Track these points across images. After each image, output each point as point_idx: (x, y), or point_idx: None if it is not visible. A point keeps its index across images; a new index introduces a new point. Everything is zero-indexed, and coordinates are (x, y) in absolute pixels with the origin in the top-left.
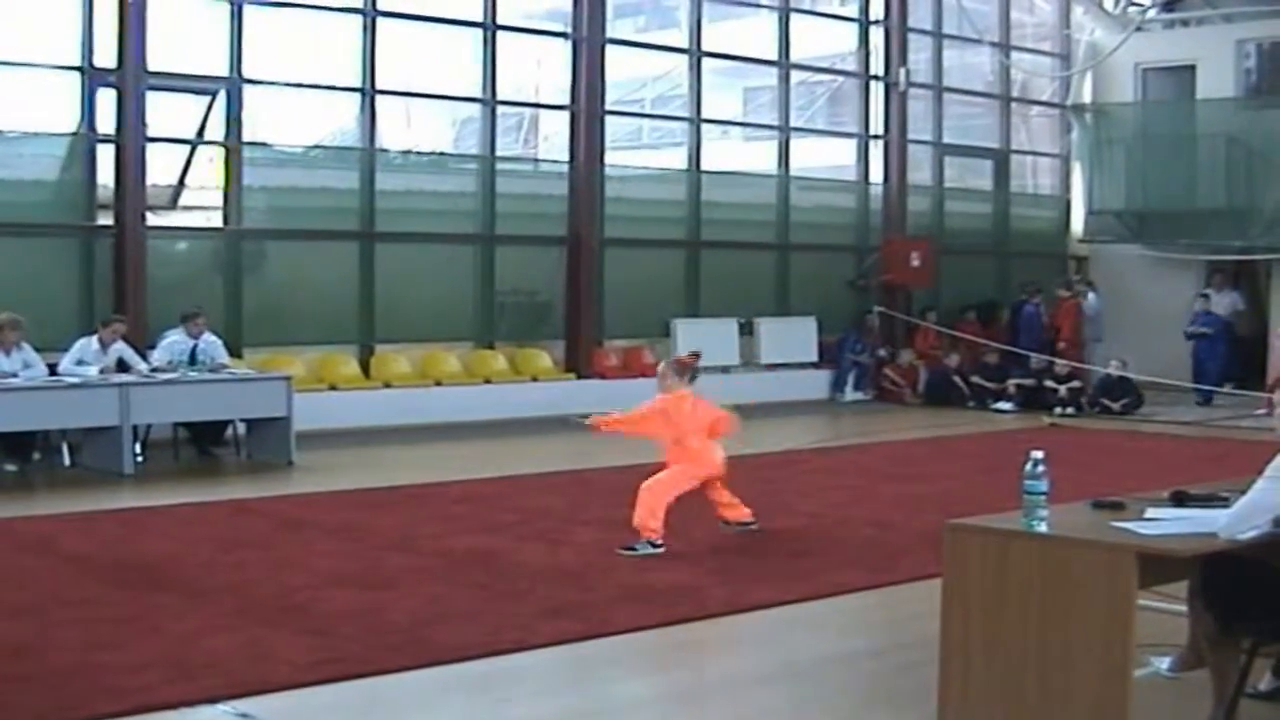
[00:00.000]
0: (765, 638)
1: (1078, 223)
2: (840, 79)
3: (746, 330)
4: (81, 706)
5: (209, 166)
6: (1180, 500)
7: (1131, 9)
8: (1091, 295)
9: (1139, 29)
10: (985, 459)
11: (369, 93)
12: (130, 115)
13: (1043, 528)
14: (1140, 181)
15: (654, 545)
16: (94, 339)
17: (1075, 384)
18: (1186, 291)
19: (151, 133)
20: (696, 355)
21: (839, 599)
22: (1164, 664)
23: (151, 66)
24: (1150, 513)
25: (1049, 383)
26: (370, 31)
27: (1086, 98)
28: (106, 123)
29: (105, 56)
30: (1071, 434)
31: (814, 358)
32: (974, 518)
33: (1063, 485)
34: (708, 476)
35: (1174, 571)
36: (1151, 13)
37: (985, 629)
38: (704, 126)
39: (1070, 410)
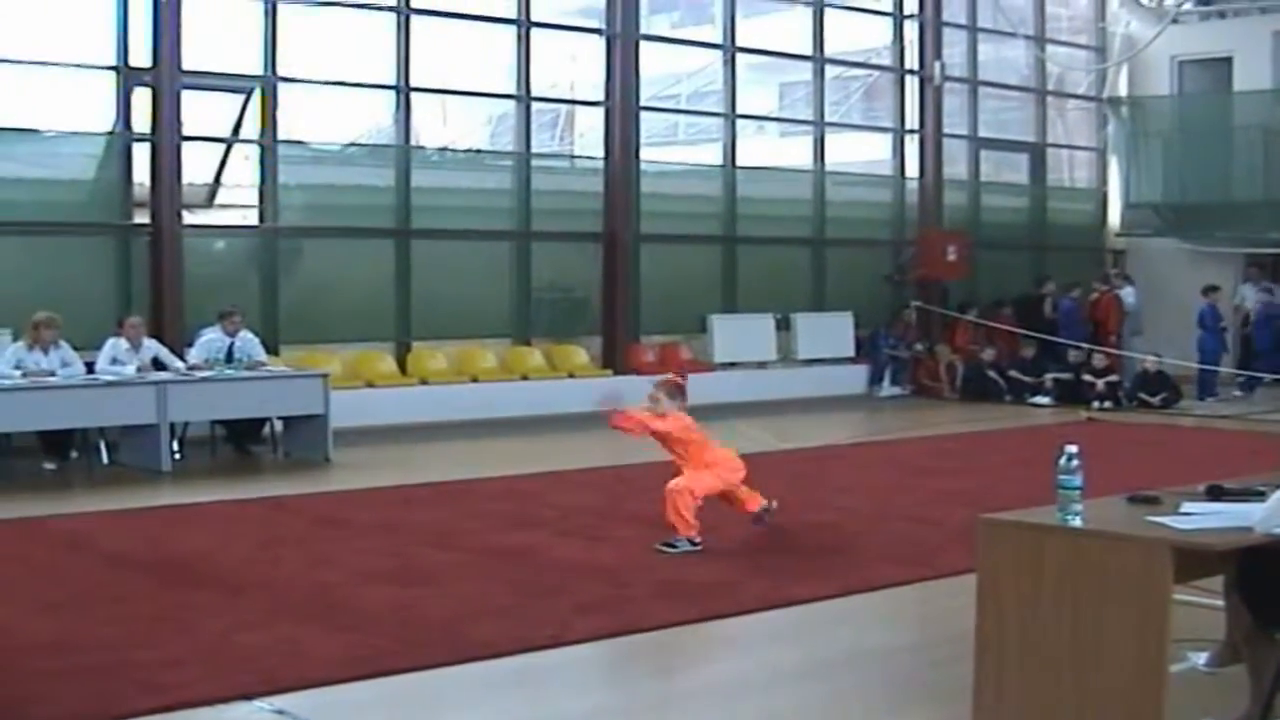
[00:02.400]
0: (801, 633)
1: (1114, 216)
2: (875, 73)
3: (783, 325)
4: (118, 702)
5: (244, 165)
6: (1216, 494)
7: (1167, 1)
8: (1129, 289)
9: (1175, 21)
10: (1021, 453)
11: (404, 90)
12: (165, 114)
13: (1077, 522)
14: (1177, 174)
15: (693, 543)
16: (122, 339)
17: (1113, 378)
18: (1224, 285)
19: (187, 131)
20: (685, 376)
21: (874, 594)
22: (1201, 659)
23: (186, 65)
24: (1186, 507)
25: (1086, 377)
26: (405, 29)
27: (1122, 91)
28: (142, 122)
29: (140, 56)
30: (1108, 428)
31: (851, 353)
32: (1009, 512)
33: (1098, 479)
34: (736, 481)
35: (1210, 566)
36: (1188, 5)
37: (1020, 624)
38: (739, 122)
39: (1107, 404)
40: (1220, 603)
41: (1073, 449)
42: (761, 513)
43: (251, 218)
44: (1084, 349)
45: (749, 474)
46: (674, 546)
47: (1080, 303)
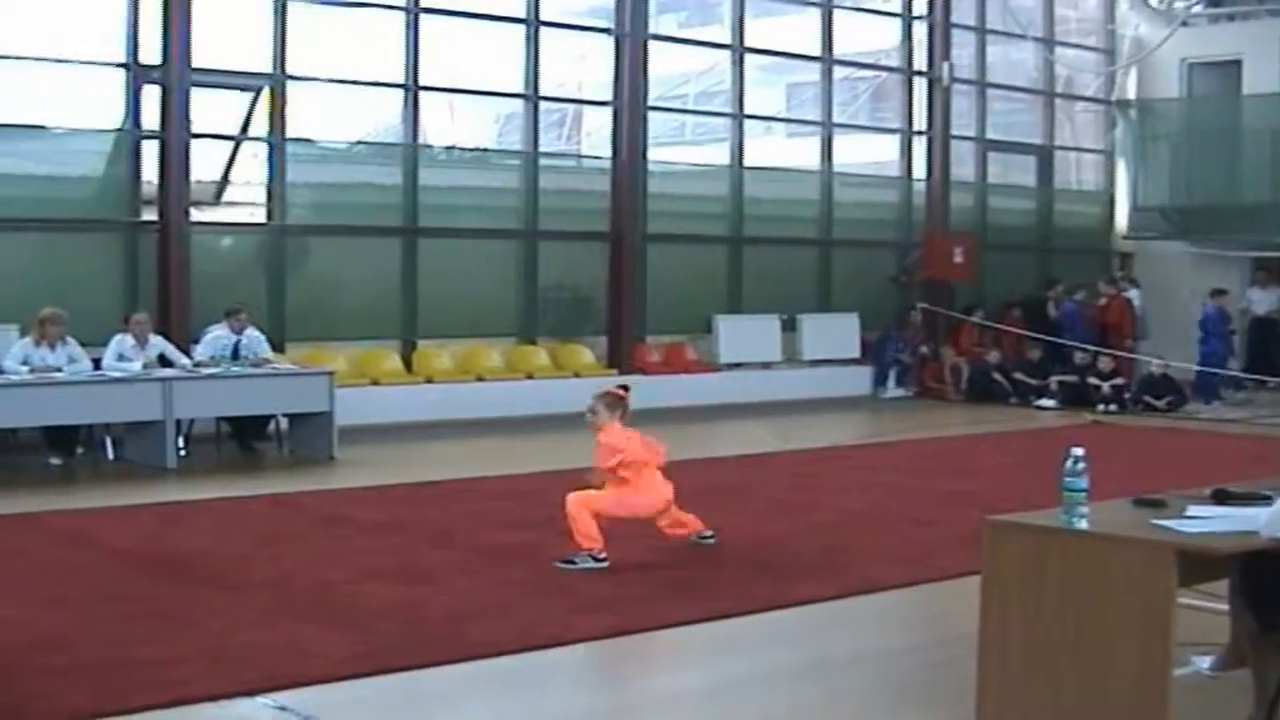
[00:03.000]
0: (802, 634)
1: (1122, 219)
2: (883, 74)
3: (789, 326)
4: (120, 698)
5: (253, 162)
6: (1222, 498)
7: (1177, 4)
8: (1135, 292)
9: (1184, 24)
10: (1026, 456)
11: (412, 89)
12: (174, 111)
13: (1083, 525)
14: (1185, 177)
15: (595, 559)
16: (128, 336)
17: (1118, 381)
18: (1231, 288)
19: (196, 129)
20: (626, 389)
21: (876, 595)
22: (1205, 663)
23: (196, 63)
24: (1192, 510)
25: (1092, 379)
26: (414, 27)
27: (1131, 93)
28: (151, 119)
29: (150, 53)
30: (1114, 431)
31: (856, 354)
32: (1013, 514)
33: (1104, 482)
34: (653, 511)
35: (1215, 569)
36: (1197, 7)
37: (1024, 626)
38: (747, 122)
39: (1113, 407)
40: (1224, 606)
41: (1079, 451)
42: (699, 540)
43: (259, 215)
44: (1089, 351)
45: (683, 501)
46: (572, 563)
47: (1084, 305)
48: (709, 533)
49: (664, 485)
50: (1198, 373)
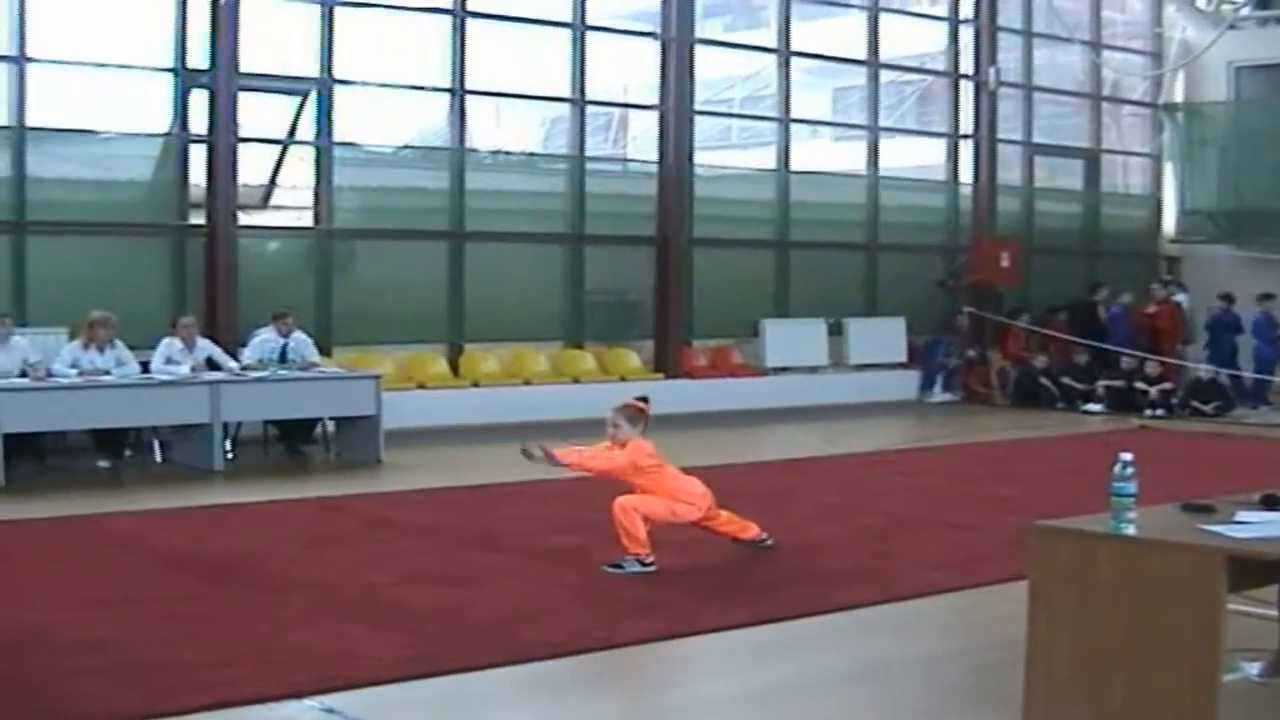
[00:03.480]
0: (848, 638)
1: (1169, 223)
2: (930, 78)
3: (835, 330)
4: (168, 699)
5: (300, 166)
6: (1271, 503)
7: (1225, 6)
8: (1183, 296)
9: (1232, 27)
10: (1073, 461)
11: (459, 93)
12: (222, 116)
13: (1131, 530)
14: (1232, 181)
15: (643, 564)
16: (176, 339)
17: (1166, 385)
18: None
19: (243, 133)
20: (646, 400)
21: (923, 600)
22: (1254, 669)
23: (243, 67)
24: (1240, 515)
25: (1139, 384)
26: (460, 32)
27: (1178, 97)
28: (199, 123)
29: (198, 58)
30: (1161, 436)
31: (903, 358)
32: (1061, 519)
33: (1152, 487)
34: (694, 518)
35: (1265, 575)
36: (1245, 10)
37: (1071, 632)
38: (793, 126)
39: (1160, 412)
40: (1274, 612)
41: (1127, 456)
42: (754, 542)
43: (306, 219)
44: (1137, 356)
45: (728, 505)
46: (620, 567)
47: (1130, 309)
48: (766, 536)
49: (699, 487)
50: (1230, 376)
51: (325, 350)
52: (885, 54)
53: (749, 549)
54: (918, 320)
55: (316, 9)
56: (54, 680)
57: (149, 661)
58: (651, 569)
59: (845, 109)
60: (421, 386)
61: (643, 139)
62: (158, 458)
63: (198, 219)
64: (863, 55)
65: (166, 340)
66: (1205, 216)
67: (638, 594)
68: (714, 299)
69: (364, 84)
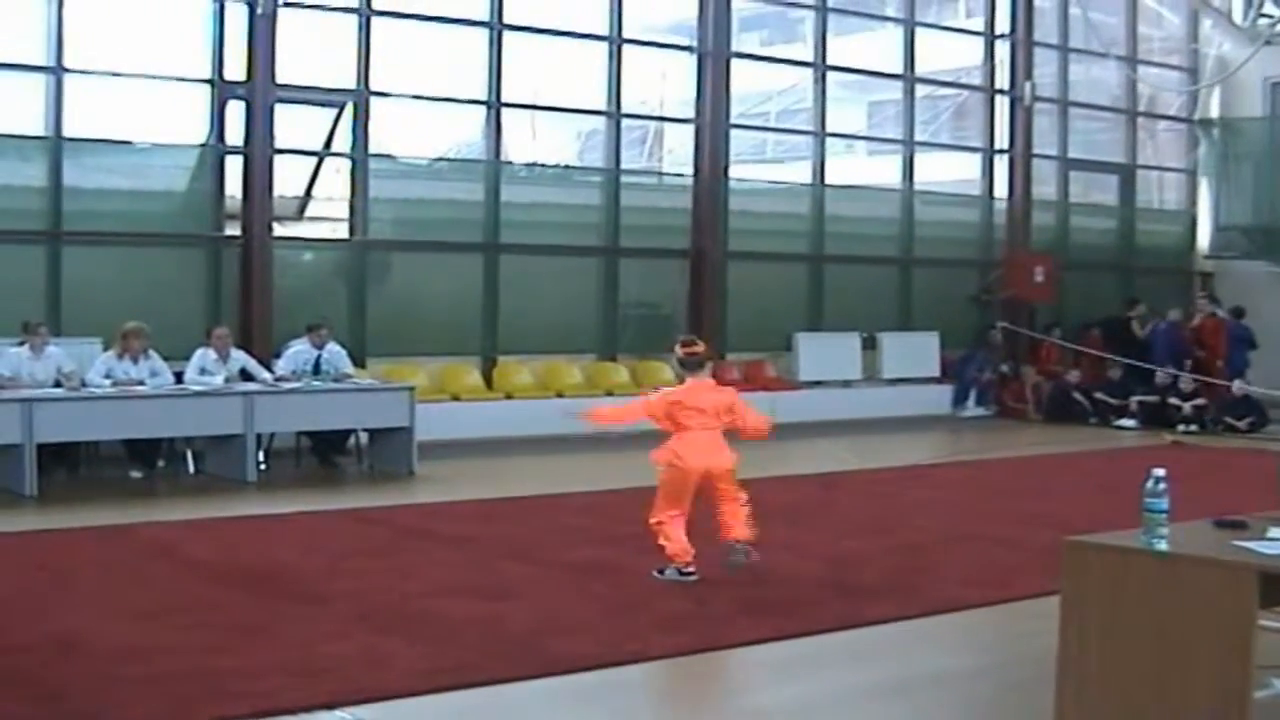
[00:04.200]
0: (879, 653)
1: (1204, 238)
2: (965, 93)
3: (869, 344)
4: (201, 709)
5: (335, 178)
6: None
7: (1261, 21)
8: (1219, 312)
9: (1268, 42)
10: (1106, 476)
11: (494, 105)
12: (258, 127)
13: (1163, 546)
14: (1268, 197)
15: (682, 572)
16: (210, 350)
17: (1200, 401)
18: None
19: (279, 144)
20: (694, 341)
21: (954, 615)
22: None
23: (280, 79)
24: (1273, 532)
25: (1173, 400)
26: (496, 45)
27: (1214, 112)
28: (235, 134)
29: (235, 70)
30: (1194, 452)
31: (936, 373)
32: (1093, 535)
33: (1184, 503)
34: (700, 475)
35: None
36: None
37: (1102, 647)
38: (828, 140)
39: (1194, 428)
40: None
41: (1160, 472)
42: (732, 551)
43: (341, 231)
44: (1183, 375)
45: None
46: (663, 573)
47: (1176, 326)
48: (748, 548)
49: (719, 448)
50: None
51: (359, 362)
52: (921, 69)
53: (724, 556)
54: (951, 335)
55: (353, 21)
56: (89, 688)
57: (182, 671)
58: (691, 578)
59: (880, 123)
60: (455, 398)
61: (678, 152)
62: (191, 468)
63: (233, 230)
64: (898, 70)
65: (201, 351)
66: (1240, 232)
67: (670, 607)
68: (748, 312)
69: (400, 96)
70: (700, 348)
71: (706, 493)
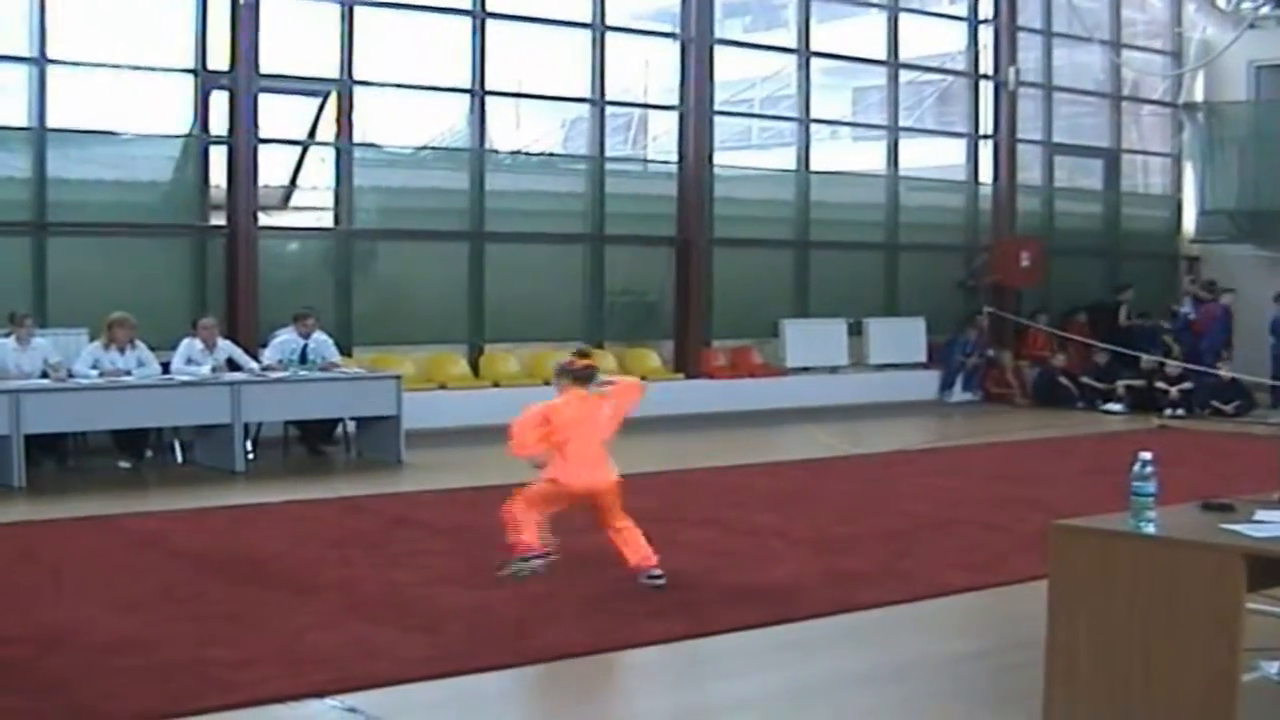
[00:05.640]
0: (869, 638)
1: (1189, 223)
2: (949, 78)
3: (855, 331)
4: (192, 699)
5: (320, 167)
6: None
7: (1244, 6)
8: (1228, 297)
9: (1252, 26)
10: (1093, 460)
11: (478, 94)
12: (242, 117)
13: (1151, 529)
14: (1253, 181)
15: (525, 560)
16: (196, 340)
17: (1186, 385)
18: None
19: (263, 134)
20: (581, 354)
21: (943, 600)
22: (1273, 668)
23: (263, 69)
24: (1260, 514)
25: (1160, 384)
26: (480, 33)
27: (1199, 96)
28: (219, 124)
29: (218, 59)
30: (1181, 436)
31: (923, 358)
32: (1081, 518)
33: (1172, 487)
34: (580, 493)
35: None
36: (1265, 9)
37: (1091, 631)
38: (813, 127)
39: (1180, 412)
40: None
41: (1147, 456)
42: (642, 573)
43: (326, 220)
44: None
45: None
46: (508, 567)
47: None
48: (658, 573)
49: (602, 467)
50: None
51: (346, 351)
52: (905, 54)
53: (638, 581)
54: (938, 320)
55: (336, 10)
56: (80, 679)
57: (174, 661)
58: (539, 563)
59: (865, 109)
60: (442, 387)
61: (663, 139)
62: (178, 458)
63: (218, 220)
64: (882, 55)
65: (187, 341)
66: (1225, 216)
67: (659, 596)
68: (734, 299)
69: (384, 85)
70: (594, 360)
71: (594, 518)
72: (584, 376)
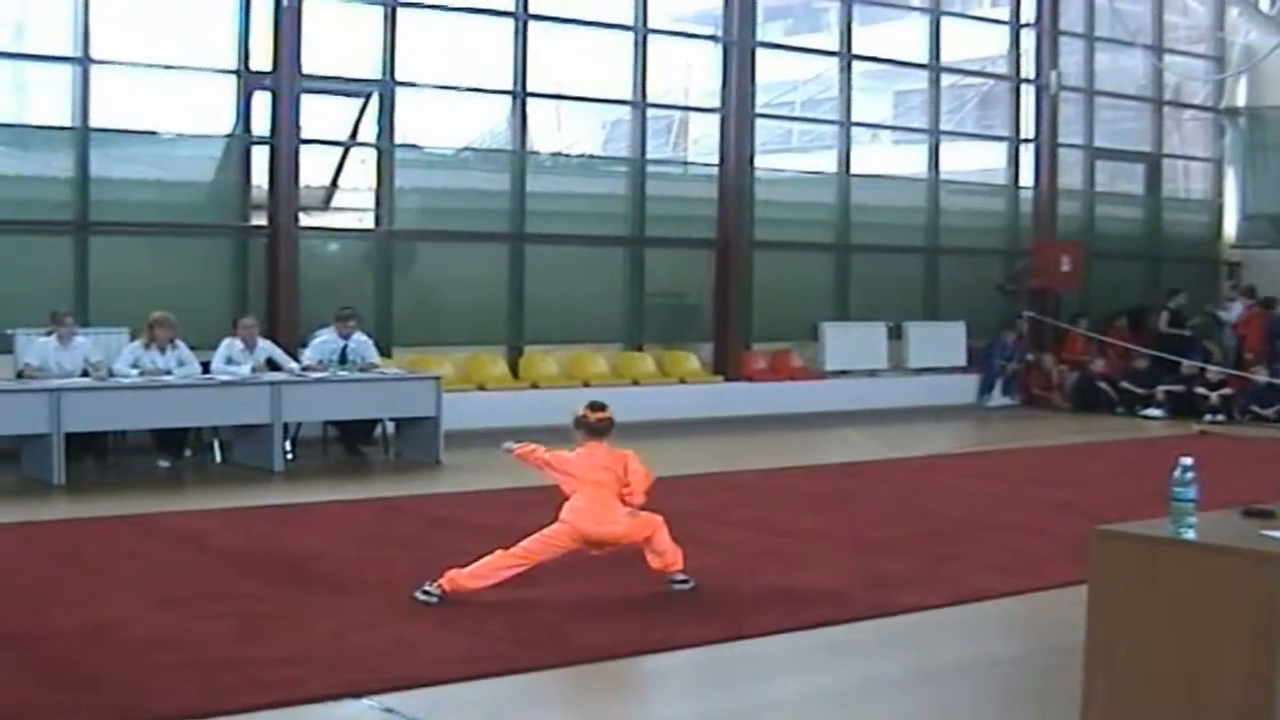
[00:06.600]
0: (908, 641)
1: (1230, 228)
2: (991, 82)
3: (895, 334)
4: (230, 697)
5: (361, 168)
6: None
7: None
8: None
9: None
10: (1133, 465)
11: (520, 95)
12: (285, 117)
13: (1191, 535)
14: None
15: (437, 596)
16: (236, 340)
17: (1227, 390)
18: None
19: (305, 135)
20: (596, 407)
21: (982, 604)
22: None
23: (306, 69)
24: None
25: (1200, 389)
26: (522, 34)
27: (1241, 101)
28: (261, 125)
29: (261, 60)
30: (1222, 441)
31: (963, 362)
32: (1121, 524)
33: (1212, 492)
34: (582, 541)
35: None
36: None
37: (1130, 636)
38: (854, 130)
39: (1220, 417)
40: None
41: (1187, 461)
42: (670, 581)
43: (367, 221)
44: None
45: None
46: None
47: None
48: (684, 577)
49: (615, 515)
50: None
51: (385, 351)
52: (946, 57)
53: (669, 587)
54: (978, 324)
55: (379, 11)
56: (120, 676)
57: (213, 659)
58: (433, 599)
59: (906, 112)
60: (481, 388)
61: (703, 142)
62: (218, 458)
63: (259, 220)
64: (924, 59)
65: (227, 341)
66: (1267, 221)
67: (699, 597)
68: (773, 302)
69: (426, 86)
70: (610, 413)
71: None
72: (599, 430)
